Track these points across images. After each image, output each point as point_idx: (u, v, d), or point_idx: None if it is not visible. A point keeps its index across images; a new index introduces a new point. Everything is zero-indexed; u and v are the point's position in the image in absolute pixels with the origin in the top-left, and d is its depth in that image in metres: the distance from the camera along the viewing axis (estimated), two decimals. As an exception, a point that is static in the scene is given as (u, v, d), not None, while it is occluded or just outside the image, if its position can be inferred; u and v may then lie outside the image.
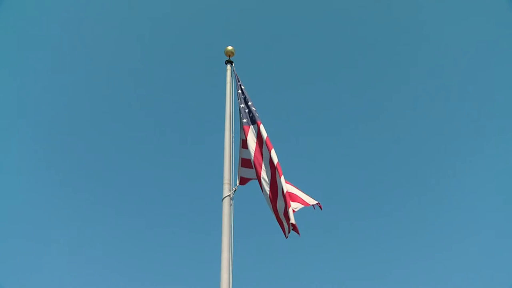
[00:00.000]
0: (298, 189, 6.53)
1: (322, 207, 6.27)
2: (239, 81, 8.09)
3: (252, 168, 7.04)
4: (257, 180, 6.89)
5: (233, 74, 8.22)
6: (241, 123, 7.61)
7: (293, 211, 5.99)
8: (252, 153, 7.02)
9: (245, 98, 7.80)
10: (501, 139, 19.02)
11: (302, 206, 6.25)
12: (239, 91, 7.93)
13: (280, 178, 6.26)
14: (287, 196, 6.06)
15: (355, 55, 22.95)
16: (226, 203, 6.48)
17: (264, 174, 6.72)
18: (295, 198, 6.29)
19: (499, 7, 18.32)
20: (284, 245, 17.80)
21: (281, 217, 6.34)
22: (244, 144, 7.44)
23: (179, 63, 22.45)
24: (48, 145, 19.72)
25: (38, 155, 19.16)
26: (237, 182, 7.15)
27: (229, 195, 6.55)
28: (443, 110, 21.04)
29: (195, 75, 22.40)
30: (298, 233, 5.96)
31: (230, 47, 8.51)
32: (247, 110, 7.63)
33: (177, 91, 22.35)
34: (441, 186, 19.85)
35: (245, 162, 7.36)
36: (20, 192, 17.98)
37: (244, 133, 7.40)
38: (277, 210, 6.41)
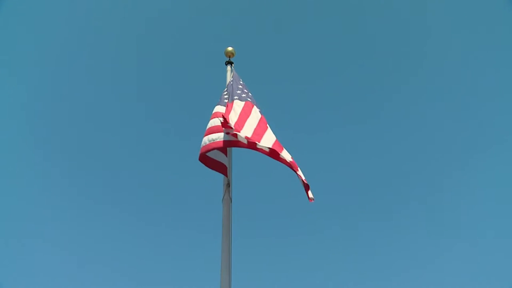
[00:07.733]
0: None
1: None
2: (240, 80, 7.95)
3: (221, 131, 6.46)
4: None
5: (233, 75, 8.19)
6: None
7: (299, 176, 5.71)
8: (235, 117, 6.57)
9: (245, 88, 7.61)
10: (501, 140, 19.04)
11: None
12: (239, 85, 7.69)
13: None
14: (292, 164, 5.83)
15: (357, 54, 22.91)
16: (225, 204, 6.45)
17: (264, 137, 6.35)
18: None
19: (500, 8, 18.31)
20: (285, 246, 17.80)
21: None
22: (214, 115, 6.90)
23: (179, 63, 22.46)
24: (48, 144, 19.72)
25: (38, 154, 19.17)
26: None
27: (228, 196, 6.51)
28: (444, 112, 21.04)
29: (195, 75, 22.40)
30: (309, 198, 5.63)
31: (230, 48, 8.48)
32: (240, 93, 7.35)
33: (177, 91, 22.34)
34: (441, 186, 19.82)
35: (211, 130, 6.68)
36: (20, 192, 17.98)
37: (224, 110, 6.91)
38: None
